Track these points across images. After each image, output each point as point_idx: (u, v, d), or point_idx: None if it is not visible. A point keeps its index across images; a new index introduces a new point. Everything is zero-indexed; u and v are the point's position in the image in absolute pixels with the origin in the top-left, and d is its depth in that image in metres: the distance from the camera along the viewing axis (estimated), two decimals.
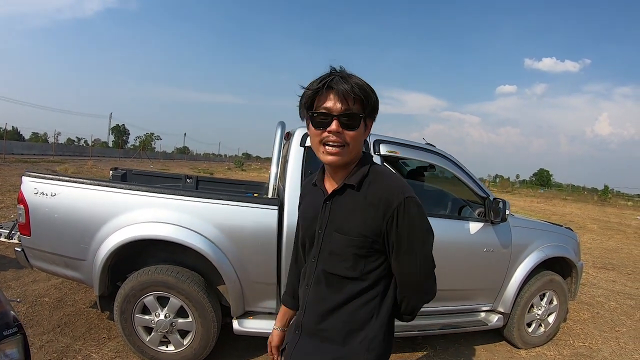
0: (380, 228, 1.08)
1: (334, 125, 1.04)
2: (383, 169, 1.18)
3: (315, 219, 1.19)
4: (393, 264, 1.14)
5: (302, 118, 1.16)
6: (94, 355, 2.67)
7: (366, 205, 1.09)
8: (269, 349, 1.43)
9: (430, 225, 1.14)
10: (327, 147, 1.07)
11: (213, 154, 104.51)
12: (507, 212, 2.93)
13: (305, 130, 2.61)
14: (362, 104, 1.06)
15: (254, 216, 2.50)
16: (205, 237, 2.45)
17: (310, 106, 1.08)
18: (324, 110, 1.05)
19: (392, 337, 1.23)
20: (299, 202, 1.35)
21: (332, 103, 1.04)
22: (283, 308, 1.42)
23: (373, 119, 1.15)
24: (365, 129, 1.11)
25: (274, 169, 2.65)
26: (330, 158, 1.08)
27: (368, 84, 1.08)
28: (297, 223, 1.33)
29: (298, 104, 1.13)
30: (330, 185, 1.18)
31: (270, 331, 1.42)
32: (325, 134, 1.06)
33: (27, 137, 48.16)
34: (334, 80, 1.04)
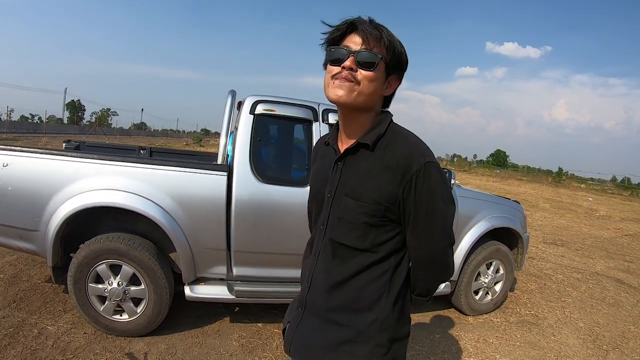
0: (396, 194, 0.98)
1: (348, 61, 0.96)
2: (402, 129, 1.06)
3: (325, 181, 1.08)
4: (409, 237, 1.03)
5: (324, 67, 1.05)
6: (49, 328, 2.69)
7: (382, 168, 0.99)
8: None
9: (452, 195, 1.04)
10: (336, 80, 0.98)
11: (171, 130, 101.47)
12: (453, 182, 3.07)
13: (255, 99, 2.70)
14: (386, 51, 0.98)
15: (203, 182, 2.56)
16: (156, 204, 2.50)
17: (332, 44, 1.02)
18: (343, 48, 0.98)
19: (409, 322, 1.11)
20: (311, 166, 1.24)
21: (353, 42, 0.98)
22: None
23: (399, 77, 1.05)
24: (386, 81, 1.02)
25: (223, 136, 2.71)
26: (335, 91, 0.98)
27: (397, 39, 1.01)
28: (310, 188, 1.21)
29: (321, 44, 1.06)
30: (343, 145, 1.08)
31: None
32: (338, 68, 0.98)
33: None
34: (360, 20, 0.99)
